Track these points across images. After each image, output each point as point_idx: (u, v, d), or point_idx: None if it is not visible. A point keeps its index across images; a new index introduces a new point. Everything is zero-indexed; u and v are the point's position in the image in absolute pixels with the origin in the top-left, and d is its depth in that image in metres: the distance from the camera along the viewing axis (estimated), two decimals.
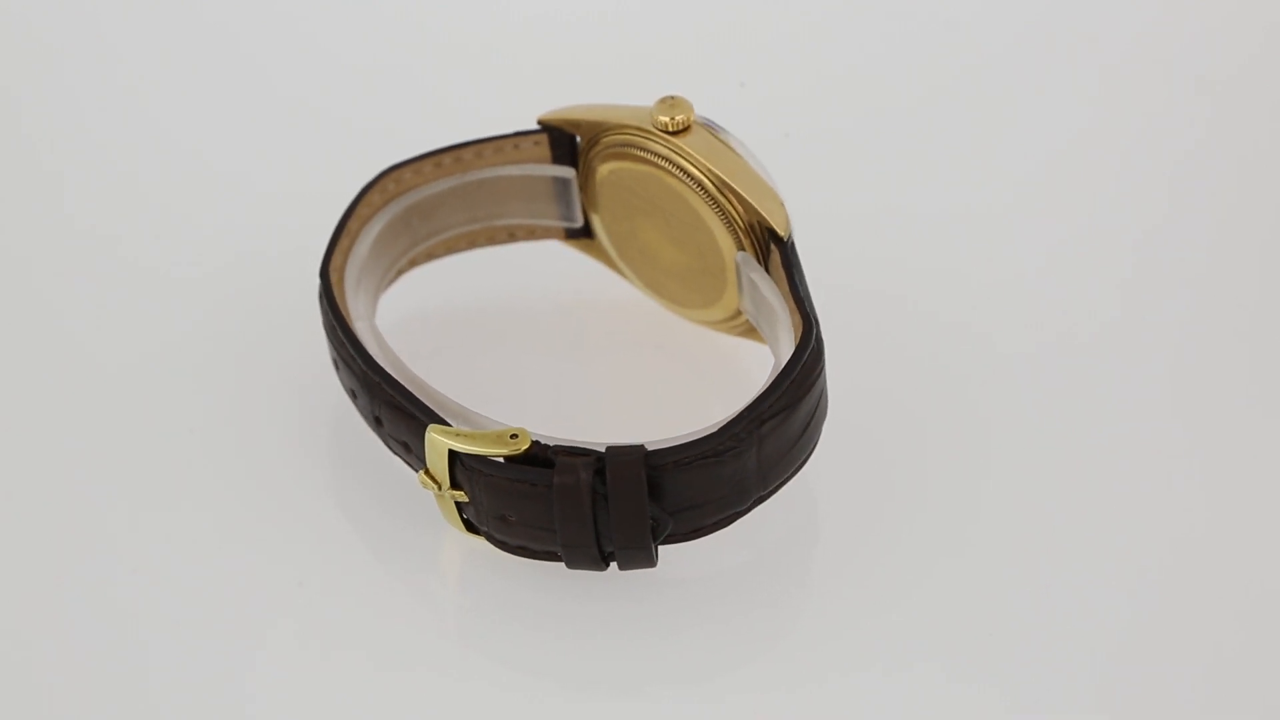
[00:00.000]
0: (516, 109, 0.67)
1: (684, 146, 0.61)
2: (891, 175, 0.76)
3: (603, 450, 0.55)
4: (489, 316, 0.69)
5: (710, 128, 0.61)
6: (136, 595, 0.59)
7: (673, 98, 0.61)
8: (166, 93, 0.82)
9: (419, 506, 0.60)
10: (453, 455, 0.56)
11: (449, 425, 0.57)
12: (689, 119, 0.61)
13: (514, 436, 0.55)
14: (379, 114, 0.80)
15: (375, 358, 0.60)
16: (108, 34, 0.84)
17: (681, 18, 0.84)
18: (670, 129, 0.61)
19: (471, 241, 0.68)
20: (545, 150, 0.66)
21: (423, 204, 0.66)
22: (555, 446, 0.55)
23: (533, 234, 0.68)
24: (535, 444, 0.55)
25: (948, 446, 0.63)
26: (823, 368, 0.57)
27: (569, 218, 0.67)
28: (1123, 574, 0.59)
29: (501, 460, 0.55)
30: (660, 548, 0.56)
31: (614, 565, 0.56)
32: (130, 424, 0.65)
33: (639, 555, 0.56)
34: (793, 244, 0.60)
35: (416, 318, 0.68)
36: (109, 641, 0.58)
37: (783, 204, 0.60)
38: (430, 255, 0.68)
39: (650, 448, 0.55)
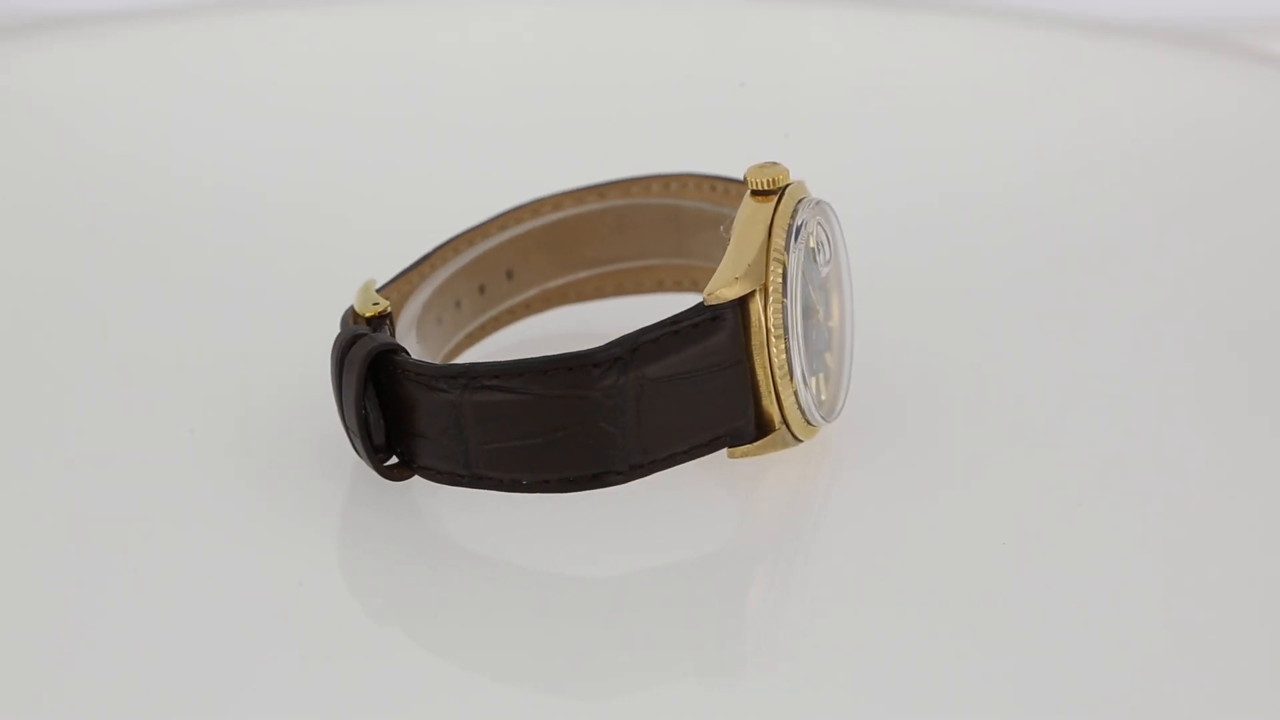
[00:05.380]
0: (511, 115, 0.68)
1: (743, 203, 0.57)
2: (892, 175, 0.77)
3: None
4: None
5: (794, 200, 0.58)
6: (135, 593, 0.59)
7: (771, 163, 0.58)
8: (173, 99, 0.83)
9: (418, 507, 0.60)
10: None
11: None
12: (774, 183, 0.57)
13: (375, 304, 0.56)
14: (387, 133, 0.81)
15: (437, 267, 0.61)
16: (123, 41, 0.85)
17: (681, 18, 0.85)
18: (754, 187, 0.57)
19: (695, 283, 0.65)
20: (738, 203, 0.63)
21: (683, 213, 0.64)
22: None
23: None
24: (384, 314, 0.56)
25: (948, 443, 0.63)
26: (596, 402, 0.53)
27: None
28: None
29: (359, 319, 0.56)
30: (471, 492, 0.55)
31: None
32: (130, 422, 0.65)
33: (362, 447, 0.55)
34: (711, 317, 0.54)
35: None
36: (108, 640, 0.58)
37: (739, 279, 0.55)
38: (694, 284, 0.64)
39: (413, 356, 0.54)
